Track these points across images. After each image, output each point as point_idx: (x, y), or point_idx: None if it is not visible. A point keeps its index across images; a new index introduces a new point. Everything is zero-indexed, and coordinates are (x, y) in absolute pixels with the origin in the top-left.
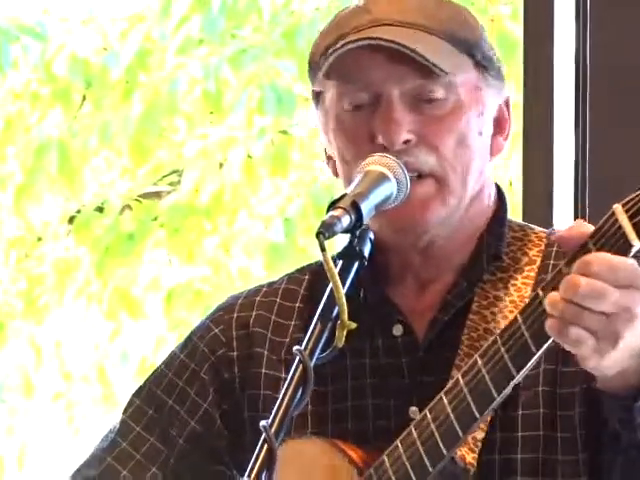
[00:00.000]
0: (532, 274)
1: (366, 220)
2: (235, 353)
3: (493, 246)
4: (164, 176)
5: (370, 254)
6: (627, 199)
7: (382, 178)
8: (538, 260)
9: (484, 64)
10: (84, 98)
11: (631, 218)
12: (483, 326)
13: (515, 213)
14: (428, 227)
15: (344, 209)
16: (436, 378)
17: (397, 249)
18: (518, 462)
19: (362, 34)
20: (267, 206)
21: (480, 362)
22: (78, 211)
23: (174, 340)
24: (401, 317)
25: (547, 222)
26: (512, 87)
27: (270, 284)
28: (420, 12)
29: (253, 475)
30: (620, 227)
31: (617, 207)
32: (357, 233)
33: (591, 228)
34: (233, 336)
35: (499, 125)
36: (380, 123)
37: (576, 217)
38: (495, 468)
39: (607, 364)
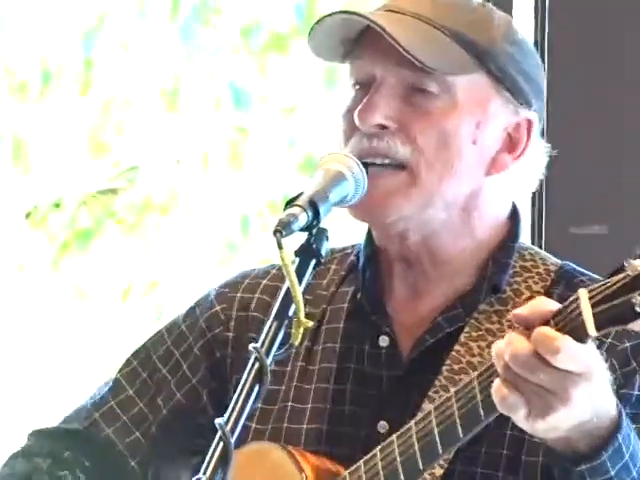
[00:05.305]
0: None
1: (323, 218)
2: (231, 334)
3: (496, 277)
4: (121, 173)
5: (371, 258)
6: (593, 286)
7: (340, 177)
8: None
9: (497, 75)
10: (41, 93)
11: (593, 307)
12: (467, 359)
13: None
14: (387, 219)
15: (301, 207)
16: (410, 399)
17: (385, 254)
18: None
19: (367, 16)
20: (223, 202)
21: (433, 415)
22: (35, 206)
23: (130, 335)
24: (389, 329)
25: None
26: None
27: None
28: (438, 6)
29: (208, 473)
30: (580, 313)
31: (583, 292)
32: (314, 231)
33: (553, 306)
34: (232, 316)
35: (510, 143)
36: (361, 104)
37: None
38: None
39: (540, 431)
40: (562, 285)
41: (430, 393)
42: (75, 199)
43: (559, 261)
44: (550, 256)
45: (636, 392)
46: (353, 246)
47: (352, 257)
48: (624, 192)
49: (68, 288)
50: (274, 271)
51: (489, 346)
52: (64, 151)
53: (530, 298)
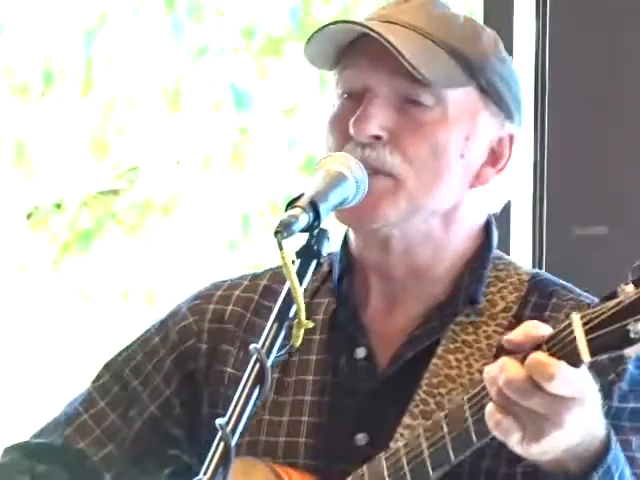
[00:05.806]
0: (505, 322)
1: (324, 219)
2: (204, 346)
3: (472, 288)
4: (122, 173)
5: (347, 269)
6: (586, 312)
7: (341, 178)
8: (514, 308)
9: (486, 90)
10: (43, 93)
11: (587, 333)
12: (445, 372)
13: None
14: (374, 224)
15: (302, 208)
16: (388, 412)
17: (361, 264)
18: None
19: (367, 24)
20: (224, 203)
21: (423, 437)
22: (36, 207)
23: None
24: (366, 340)
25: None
26: None
27: (254, 277)
28: (433, 20)
29: (209, 474)
30: (574, 339)
31: (576, 318)
32: (315, 232)
33: (545, 330)
34: (205, 328)
35: (493, 157)
36: (357, 114)
37: (534, 231)
38: None
39: (534, 454)
40: (536, 295)
41: (410, 407)
42: (76, 200)
43: (532, 270)
44: (522, 265)
45: (615, 404)
46: (327, 255)
47: (325, 268)
48: (624, 192)
49: (69, 289)
50: (247, 282)
51: (466, 358)
52: (65, 152)
53: (505, 308)
